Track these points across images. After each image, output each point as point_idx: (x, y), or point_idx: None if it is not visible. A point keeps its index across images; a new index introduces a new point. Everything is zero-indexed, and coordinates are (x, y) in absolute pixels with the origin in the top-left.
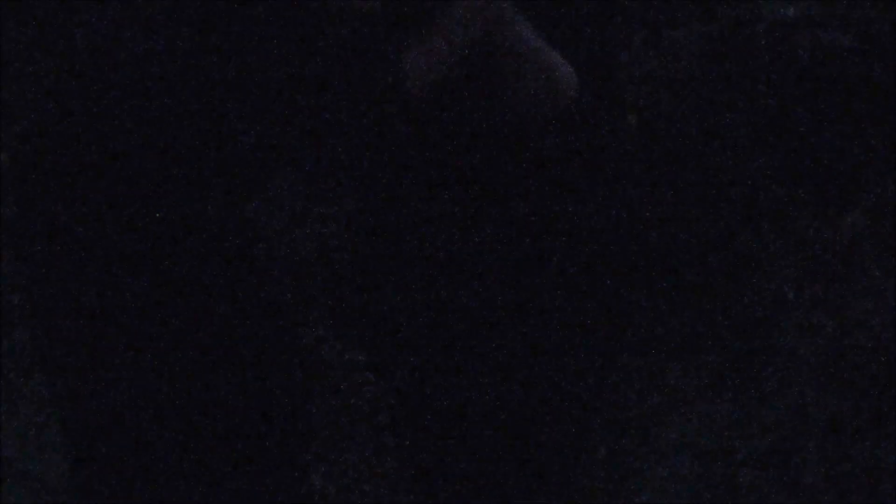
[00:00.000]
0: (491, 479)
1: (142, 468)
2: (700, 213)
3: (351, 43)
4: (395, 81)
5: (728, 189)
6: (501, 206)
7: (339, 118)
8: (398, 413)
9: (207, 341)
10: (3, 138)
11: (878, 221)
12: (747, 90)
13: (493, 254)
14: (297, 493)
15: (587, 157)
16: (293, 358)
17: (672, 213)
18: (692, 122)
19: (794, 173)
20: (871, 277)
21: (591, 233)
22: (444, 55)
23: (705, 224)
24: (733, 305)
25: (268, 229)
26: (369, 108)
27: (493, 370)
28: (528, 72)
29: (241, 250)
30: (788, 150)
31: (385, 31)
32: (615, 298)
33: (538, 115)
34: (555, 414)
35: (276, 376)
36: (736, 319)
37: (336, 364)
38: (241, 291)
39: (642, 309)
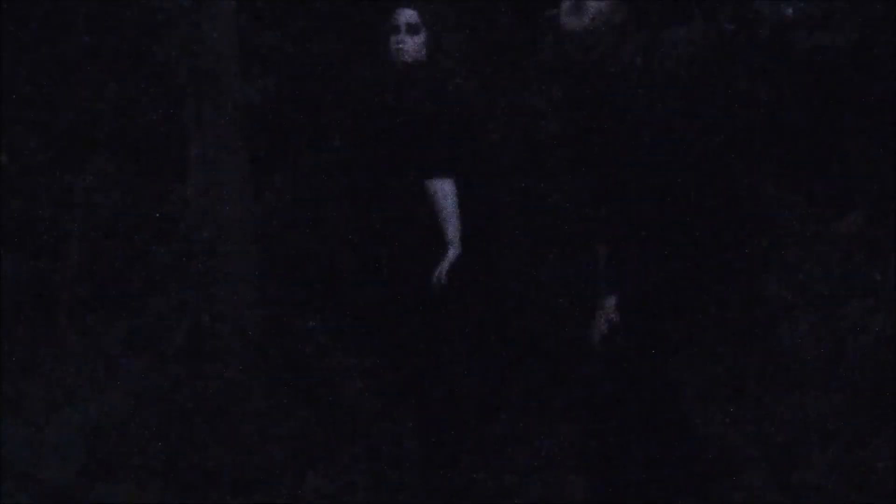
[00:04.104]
0: (490, 479)
1: None
2: (699, 212)
3: None
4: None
5: (728, 188)
6: (498, 207)
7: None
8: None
9: None
10: (3, 138)
11: (877, 222)
12: (747, 90)
13: (495, 255)
14: None
15: (584, 156)
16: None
17: (671, 213)
18: (691, 122)
19: (794, 173)
20: (871, 277)
21: (589, 233)
22: None
23: (704, 224)
24: (733, 306)
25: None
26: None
27: (488, 372)
28: None
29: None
30: (788, 150)
31: None
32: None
33: None
34: (553, 415)
35: None
36: (736, 320)
37: (336, 370)
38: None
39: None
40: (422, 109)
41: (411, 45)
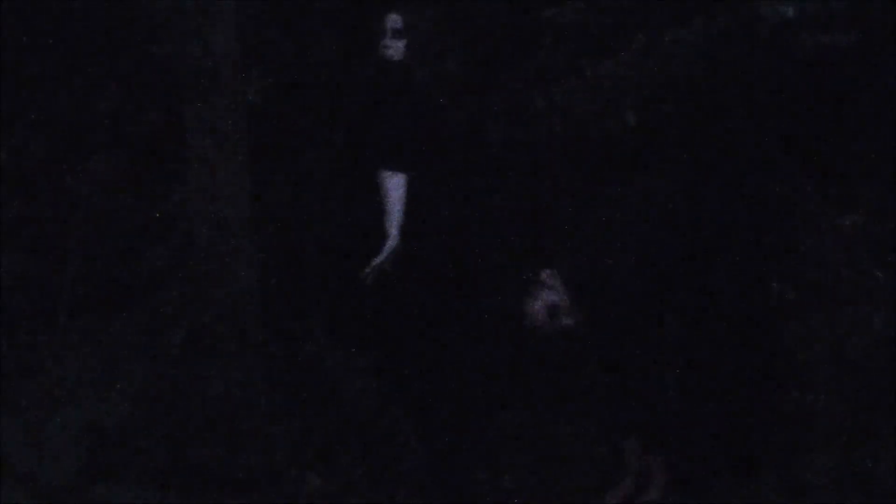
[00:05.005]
0: (490, 478)
1: None
2: (699, 212)
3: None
4: None
5: (728, 189)
6: (500, 209)
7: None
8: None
9: None
10: (3, 138)
11: (878, 221)
12: (747, 90)
13: (499, 254)
14: None
15: (585, 158)
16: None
17: (671, 213)
18: (691, 122)
19: (794, 173)
20: (871, 277)
21: (589, 235)
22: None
23: (704, 224)
24: (733, 306)
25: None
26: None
27: (492, 373)
28: None
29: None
30: (788, 150)
31: None
32: (617, 299)
33: None
34: (555, 416)
35: None
36: (736, 320)
37: (339, 369)
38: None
39: (641, 309)
40: (393, 107)
41: (395, 48)
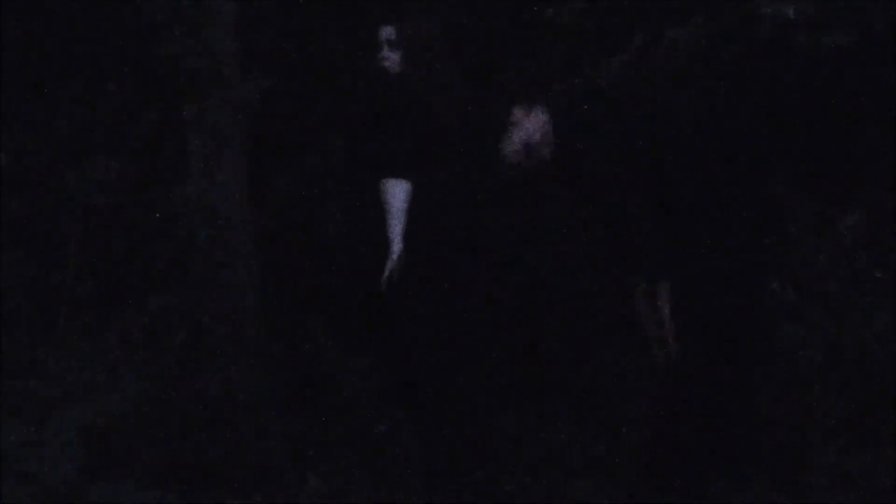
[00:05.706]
0: (490, 479)
1: None
2: (698, 213)
3: None
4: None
5: (727, 189)
6: (497, 206)
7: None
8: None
9: None
10: (4, 138)
11: (878, 221)
12: (747, 90)
13: (499, 252)
14: None
15: (585, 157)
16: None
17: (670, 213)
18: (691, 122)
19: (794, 173)
20: (870, 277)
21: (587, 233)
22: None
23: (702, 224)
24: (732, 306)
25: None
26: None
27: (494, 369)
28: None
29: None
30: (788, 150)
31: None
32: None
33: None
34: (551, 417)
35: None
36: (735, 320)
37: (338, 368)
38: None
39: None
40: (394, 117)
41: (391, 60)
